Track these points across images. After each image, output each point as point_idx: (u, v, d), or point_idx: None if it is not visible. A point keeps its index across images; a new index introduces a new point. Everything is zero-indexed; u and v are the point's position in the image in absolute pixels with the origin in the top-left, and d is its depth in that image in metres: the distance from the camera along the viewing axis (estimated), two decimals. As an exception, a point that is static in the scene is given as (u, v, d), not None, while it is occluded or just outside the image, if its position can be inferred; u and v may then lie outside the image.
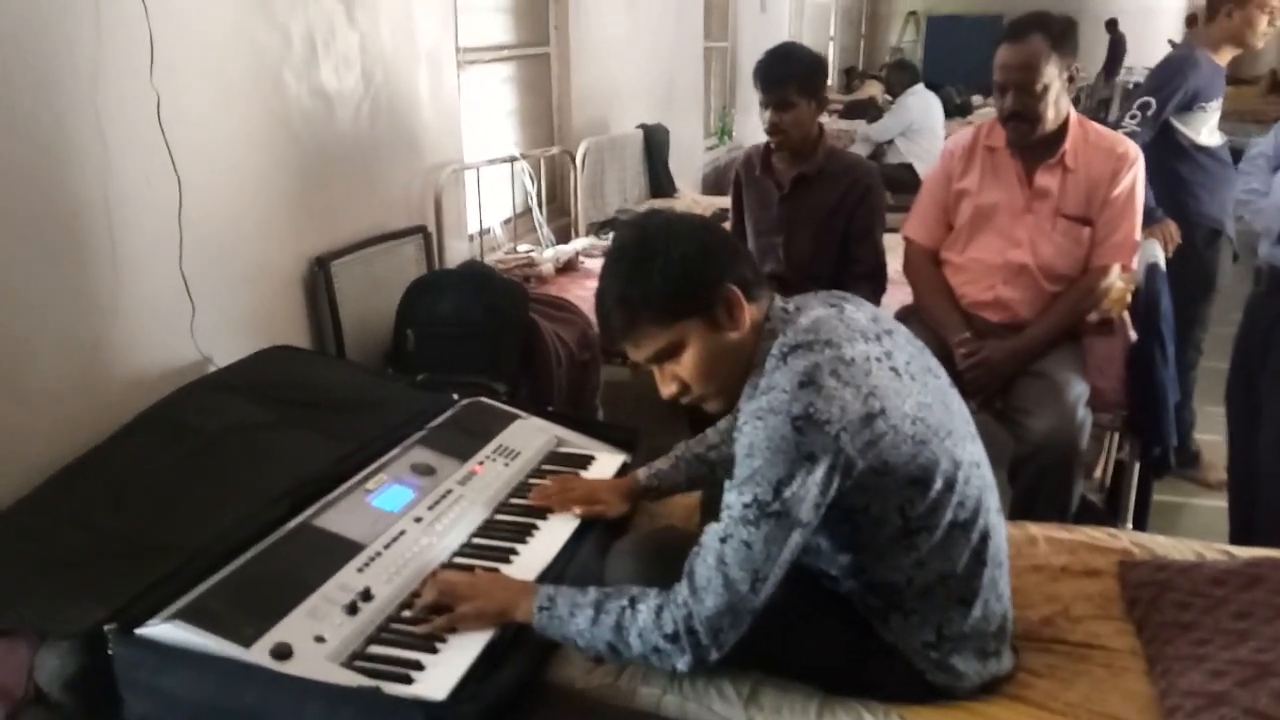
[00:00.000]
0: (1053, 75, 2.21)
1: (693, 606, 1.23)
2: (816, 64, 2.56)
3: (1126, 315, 2.61)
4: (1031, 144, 2.30)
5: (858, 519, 1.29)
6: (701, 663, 1.24)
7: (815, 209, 2.58)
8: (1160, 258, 2.62)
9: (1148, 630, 1.51)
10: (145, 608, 1.32)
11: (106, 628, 1.28)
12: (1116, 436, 2.71)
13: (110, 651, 1.28)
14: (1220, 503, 3.15)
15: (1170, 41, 9.42)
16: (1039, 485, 2.18)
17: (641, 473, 1.73)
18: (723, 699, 1.37)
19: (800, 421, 1.18)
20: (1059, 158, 2.30)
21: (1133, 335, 2.54)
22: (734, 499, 1.23)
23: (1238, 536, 2.18)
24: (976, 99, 10.17)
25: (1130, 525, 2.48)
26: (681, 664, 1.25)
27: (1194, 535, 1.87)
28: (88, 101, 1.82)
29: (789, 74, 2.46)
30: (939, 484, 1.28)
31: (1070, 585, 1.67)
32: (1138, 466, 2.47)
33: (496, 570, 1.54)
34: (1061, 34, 2.22)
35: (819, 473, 1.20)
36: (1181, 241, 3.03)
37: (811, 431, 1.18)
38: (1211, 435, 3.44)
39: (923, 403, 1.28)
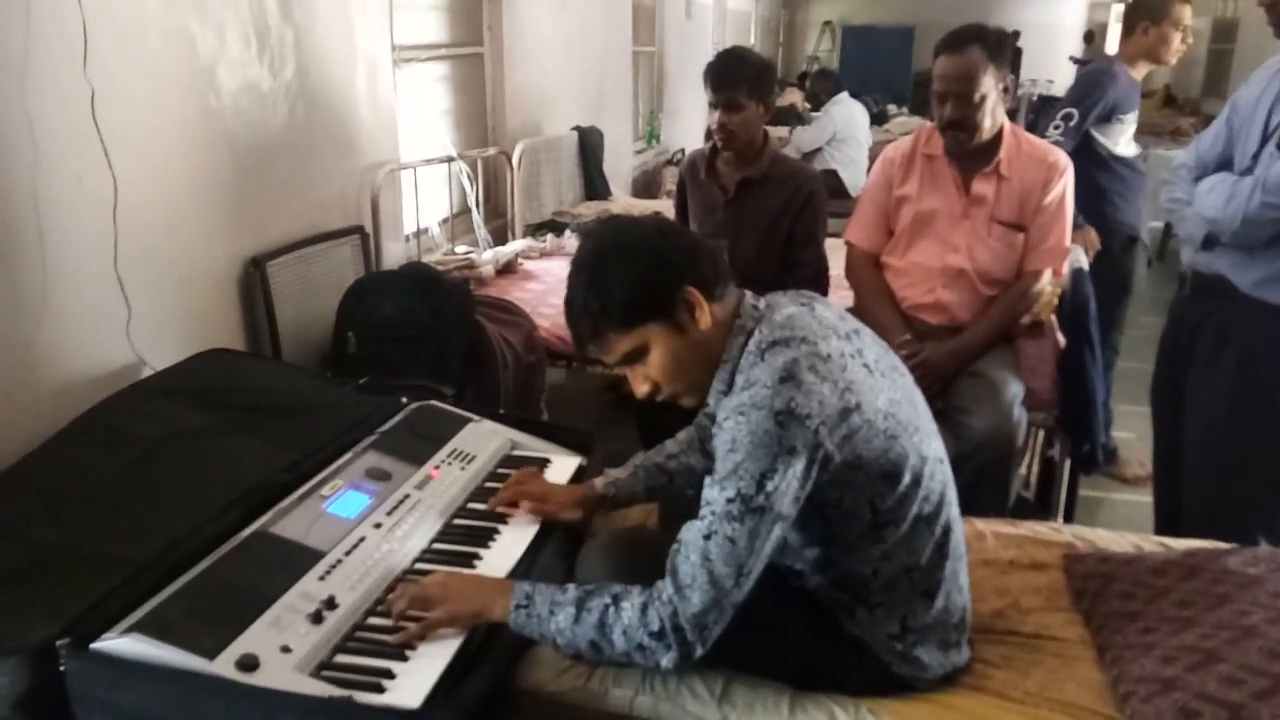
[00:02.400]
0: (990, 85, 2.28)
1: (678, 604, 1.23)
2: (766, 68, 2.59)
3: (1053, 318, 2.72)
4: (968, 152, 2.37)
5: (829, 513, 1.32)
6: (687, 659, 1.25)
7: (760, 213, 2.61)
8: (1084, 263, 2.73)
9: (1095, 620, 1.57)
10: (98, 621, 1.26)
11: (59, 643, 1.22)
12: (1041, 435, 2.82)
13: (62, 668, 1.22)
14: (1137, 497, 3.31)
15: (1072, 58, 9.84)
16: (978, 482, 2.24)
17: (599, 482, 1.72)
18: (695, 698, 1.38)
19: (782, 416, 1.20)
20: (994, 166, 2.38)
21: (1060, 338, 2.64)
22: (716, 495, 1.24)
23: (1163, 528, 2.28)
24: (891, 108, 10.46)
25: (1062, 520, 2.58)
26: (666, 660, 1.25)
27: (1114, 528, 1.95)
28: (15, 93, 1.74)
29: (740, 76, 2.49)
30: (907, 478, 1.31)
31: (1019, 578, 1.73)
32: (1068, 464, 2.58)
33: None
34: (998, 45, 2.29)
35: (799, 466, 1.22)
36: (1100, 248, 3.17)
37: (793, 425, 1.20)
38: (1126, 433, 3.61)
39: (893, 399, 1.31)
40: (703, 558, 1.23)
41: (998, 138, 2.38)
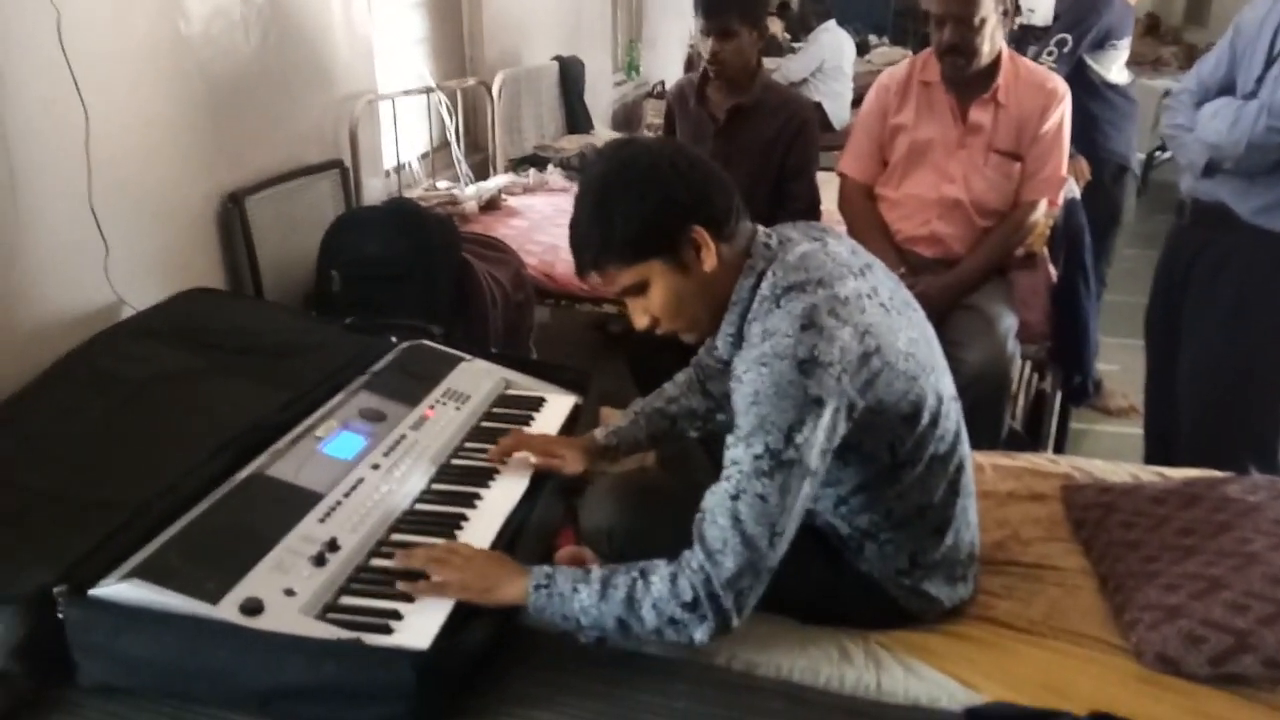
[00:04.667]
0: (989, 8, 2.22)
1: (710, 570, 1.18)
2: (759, -8, 2.52)
3: (1045, 250, 2.70)
4: (966, 79, 2.32)
5: (848, 456, 1.29)
6: (724, 629, 1.20)
7: (751, 142, 2.55)
8: (1077, 193, 2.71)
9: (1096, 550, 1.58)
10: (95, 567, 1.23)
11: (56, 589, 1.19)
12: (1030, 367, 2.82)
13: (61, 614, 1.19)
14: (1122, 429, 3.34)
15: None
16: (972, 415, 2.19)
17: (599, 433, 1.66)
18: (704, 634, 1.37)
19: (806, 364, 1.16)
20: (992, 93, 2.33)
21: (1052, 269, 2.63)
22: (742, 453, 1.19)
23: (1154, 458, 2.29)
24: (872, 38, 10.28)
25: (1051, 451, 2.59)
26: (700, 633, 1.19)
27: (1102, 459, 1.96)
28: (-26, 16, 1.65)
29: (731, 2, 2.41)
30: (925, 419, 1.29)
31: (1018, 510, 1.74)
32: (1059, 396, 2.58)
33: (463, 515, 1.50)
34: (997, -33, 2.23)
35: (826, 417, 1.18)
36: (1090, 178, 3.15)
37: (818, 373, 1.16)
38: (1111, 365, 3.63)
39: (912, 338, 1.29)
40: (732, 519, 1.18)
41: (995, 64, 2.33)
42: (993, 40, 2.28)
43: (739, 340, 1.29)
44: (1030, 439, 2.66)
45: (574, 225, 1.31)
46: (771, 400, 1.17)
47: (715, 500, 1.21)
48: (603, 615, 1.22)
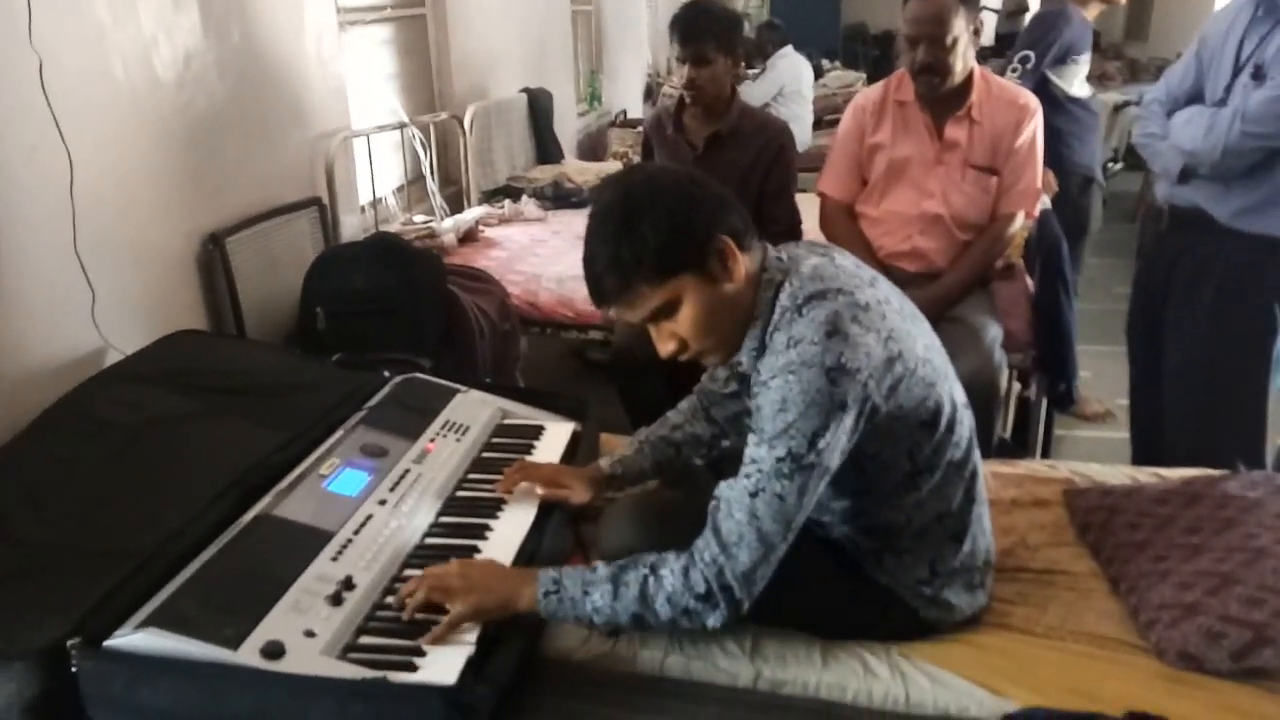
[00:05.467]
0: (960, 28, 2.27)
1: (724, 563, 1.21)
2: (734, 20, 2.54)
3: (1021, 260, 2.75)
4: (940, 97, 2.36)
5: (866, 464, 1.30)
6: (735, 614, 1.23)
7: (730, 168, 2.57)
8: (1048, 204, 2.76)
9: (1104, 552, 1.59)
10: (108, 618, 1.20)
11: (69, 643, 1.15)
12: (1014, 375, 2.86)
13: (75, 668, 1.15)
14: (1099, 433, 3.39)
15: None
16: (964, 426, 2.26)
17: (604, 462, 1.65)
18: (727, 655, 1.36)
19: (834, 372, 1.17)
20: (966, 110, 2.37)
21: (1028, 279, 2.68)
22: (764, 454, 1.21)
23: (1140, 459, 2.33)
24: (825, 62, 10.45)
25: (1039, 457, 2.62)
26: (713, 620, 1.23)
27: (1087, 463, 1.98)
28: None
29: (707, 29, 2.43)
30: (943, 425, 1.31)
31: (1023, 516, 1.75)
32: (1044, 403, 2.62)
33: (475, 547, 1.49)
34: (968, -13, 2.28)
35: (848, 420, 1.20)
36: (1058, 189, 3.21)
37: (844, 380, 1.18)
38: (1084, 371, 3.68)
39: (928, 344, 1.30)
40: (750, 515, 1.21)
41: (968, 81, 2.37)
42: (965, 59, 2.33)
43: (762, 351, 1.29)
44: (1019, 446, 2.69)
45: (592, 257, 1.28)
46: (800, 408, 1.18)
47: (734, 494, 1.23)
48: (617, 613, 1.25)
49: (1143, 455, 2.36)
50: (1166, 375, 2.21)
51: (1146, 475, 1.85)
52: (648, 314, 1.29)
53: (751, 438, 1.23)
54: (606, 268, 1.25)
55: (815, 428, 1.18)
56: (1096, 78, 8.25)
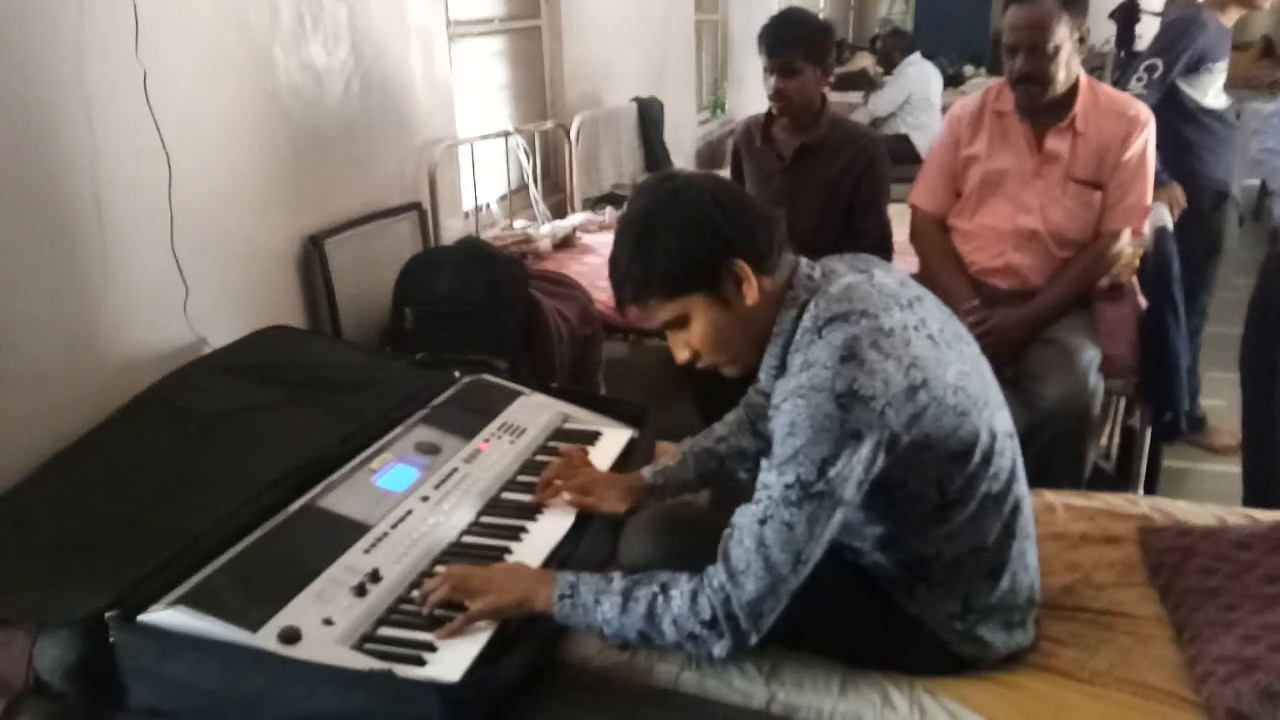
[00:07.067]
0: (1064, 36, 2.16)
1: (731, 591, 1.18)
2: (823, 30, 2.50)
3: (1135, 280, 2.58)
4: (1041, 107, 2.25)
5: (894, 494, 1.25)
6: (740, 647, 1.20)
7: (819, 180, 2.53)
8: (1168, 221, 2.58)
9: (1173, 596, 1.48)
10: (147, 594, 1.28)
11: (108, 615, 1.24)
12: (1123, 403, 2.69)
13: (112, 639, 1.24)
14: (1227, 467, 3.14)
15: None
16: (1052, 453, 2.14)
17: (646, 471, 1.64)
18: (743, 675, 1.34)
19: (845, 398, 1.14)
20: (1069, 121, 2.25)
21: (1141, 300, 2.51)
22: (774, 479, 1.18)
23: (1252, 500, 2.15)
24: (969, 69, 10.10)
25: (1142, 491, 2.45)
26: (718, 649, 1.20)
27: (1201, 500, 1.84)
28: (73, 79, 1.76)
29: (795, 39, 2.40)
30: (977, 457, 1.24)
31: (1091, 552, 1.65)
32: (1149, 432, 2.45)
33: (508, 548, 1.51)
34: (1072, -8, 2.16)
35: (864, 450, 1.16)
36: (1187, 205, 3.00)
37: (857, 408, 1.14)
38: (1216, 400, 3.42)
39: (962, 371, 1.24)
40: (758, 543, 1.17)
41: (1073, 91, 2.25)
42: (1068, 67, 2.21)
43: (781, 371, 1.27)
44: (1120, 478, 2.53)
45: (614, 261, 1.30)
46: (807, 434, 1.15)
47: (744, 521, 1.20)
48: (624, 627, 1.25)
49: (1255, 497, 2.17)
50: (1278, 409, 2.03)
51: (1236, 516, 1.70)
52: (660, 324, 1.30)
53: (764, 461, 1.21)
54: (621, 278, 1.28)
55: (825, 455, 1.14)
56: (1267, 86, 7.66)
